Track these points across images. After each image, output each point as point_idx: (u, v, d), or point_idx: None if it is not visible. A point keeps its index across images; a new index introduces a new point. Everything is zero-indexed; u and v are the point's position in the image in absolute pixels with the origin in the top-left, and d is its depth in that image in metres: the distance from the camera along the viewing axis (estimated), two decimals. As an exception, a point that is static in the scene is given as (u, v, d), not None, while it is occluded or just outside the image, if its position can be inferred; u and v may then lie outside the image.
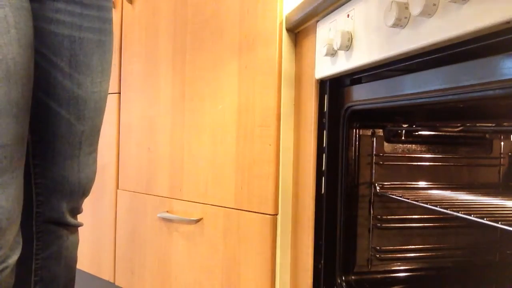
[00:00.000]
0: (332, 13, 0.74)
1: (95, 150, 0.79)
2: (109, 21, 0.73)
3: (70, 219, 0.79)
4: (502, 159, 0.96)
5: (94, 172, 0.80)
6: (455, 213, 0.65)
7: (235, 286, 0.97)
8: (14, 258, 0.61)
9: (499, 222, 0.58)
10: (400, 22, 0.51)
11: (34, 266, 0.76)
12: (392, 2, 0.51)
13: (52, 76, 0.68)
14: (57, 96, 0.69)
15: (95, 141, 0.78)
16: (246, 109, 0.96)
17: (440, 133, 0.92)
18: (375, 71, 0.65)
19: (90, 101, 0.72)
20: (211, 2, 1.04)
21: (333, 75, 0.74)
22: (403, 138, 0.90)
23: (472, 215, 0.62)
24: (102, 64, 0.72)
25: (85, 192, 0.79)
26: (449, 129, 0.89)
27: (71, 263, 0.83)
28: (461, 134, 0.93)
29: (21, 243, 0.65)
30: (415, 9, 0.47)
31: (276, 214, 0.92)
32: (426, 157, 0.93)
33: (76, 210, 0.81)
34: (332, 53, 0.72)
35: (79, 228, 0.85)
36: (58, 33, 0.67)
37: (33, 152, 0.72)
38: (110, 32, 0.74)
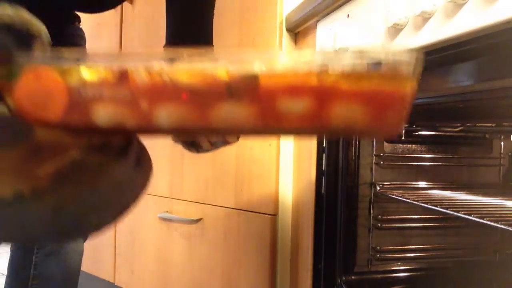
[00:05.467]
0: (332, 14, 0.74)
1: None
2: None
3: None
4: (502, 159, 0.96)
5: None
6: (455, 213, 0.65)
7: (235, 286, 0.97)
8: None
9: (499, 222, 0.58)
10: (400, 22, 0.51)
11: (34, 260, 0.83)
12: (391, 2, 0.51)
13: None
14: None
15: None
16: (246, 109, 0.96)
17: (440, 133, 0.92)
18: (375, 71, 0.65)
19: None
20: (211, 2, 1.04)
21: (333, 75, 0.74)
22: (403, 138, 0.90)
23: (472, 215, 0.62)
24: None
25: None
26: (449, 129, 0.89)
27: (71, 269, 0.86)
28: (461, 134, 0.93)
29: None
30: (414, 9, 0.47)
31: (276, 214, 0.92)
32: (426, 157, 0.93)
33: None
34: (332, 53, 0.72)
35: None
36: None
37: None
38: None
